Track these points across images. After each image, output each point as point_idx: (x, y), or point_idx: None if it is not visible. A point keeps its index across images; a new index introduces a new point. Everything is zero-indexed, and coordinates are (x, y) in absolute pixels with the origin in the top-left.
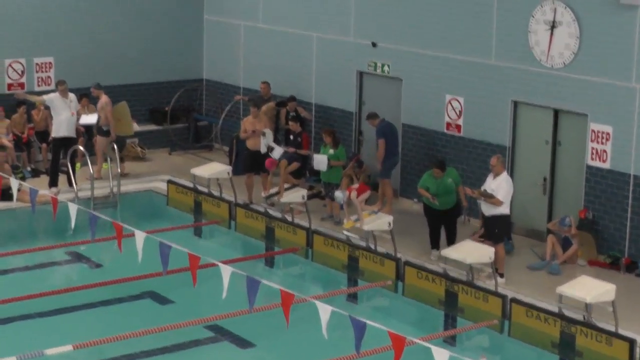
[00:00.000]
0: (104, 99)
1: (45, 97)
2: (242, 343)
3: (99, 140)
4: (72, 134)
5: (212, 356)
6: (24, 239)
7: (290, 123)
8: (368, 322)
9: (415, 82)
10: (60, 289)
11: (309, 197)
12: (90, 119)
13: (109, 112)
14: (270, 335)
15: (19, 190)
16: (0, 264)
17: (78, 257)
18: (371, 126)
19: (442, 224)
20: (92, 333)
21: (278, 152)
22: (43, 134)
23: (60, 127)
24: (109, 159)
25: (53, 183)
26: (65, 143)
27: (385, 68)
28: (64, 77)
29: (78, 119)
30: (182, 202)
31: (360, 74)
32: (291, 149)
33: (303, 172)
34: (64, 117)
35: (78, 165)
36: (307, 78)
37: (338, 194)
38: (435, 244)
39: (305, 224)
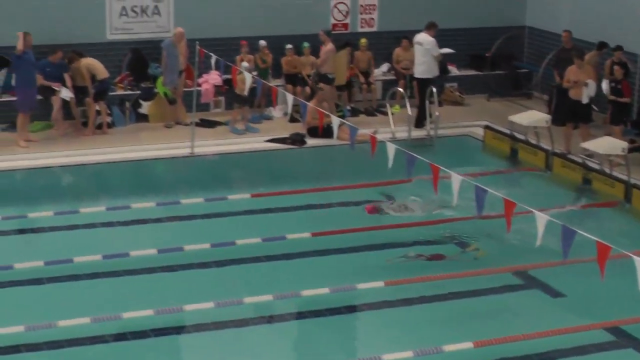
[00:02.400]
0: (329, 46)
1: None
2: (553, 292)
3: (324, 88)
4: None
5: (523, 302)
6: (343, 175)
7: (615, 67)
8: None
9: None
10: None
11: (630, 150)
12: None
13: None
14: (582, 287)
15: (339, 127)
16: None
17: (389, 198)
18: None
19: None
20: (400, 273)
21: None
22: (364, 74)
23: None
24: (427, 103)
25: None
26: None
27: None
28: (385, 20)
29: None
30: (497, 149)
31: None
32: (611, 97)
33: (624, 122)
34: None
35: (397, 107)
36: (634, 28)
37: None
38: None
39: (624, 177)
